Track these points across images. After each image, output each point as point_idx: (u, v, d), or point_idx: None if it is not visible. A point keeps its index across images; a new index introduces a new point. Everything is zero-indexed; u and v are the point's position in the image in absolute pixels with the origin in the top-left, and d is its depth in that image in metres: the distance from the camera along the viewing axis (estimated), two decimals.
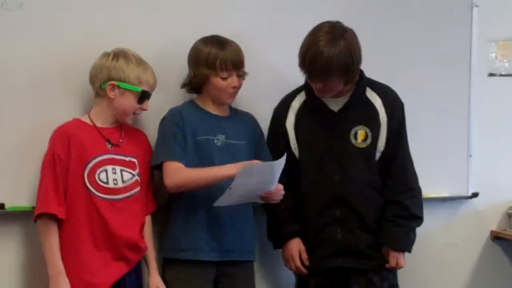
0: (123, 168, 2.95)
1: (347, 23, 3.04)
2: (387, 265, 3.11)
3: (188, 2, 3.26)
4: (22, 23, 3.04)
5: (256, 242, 3.23)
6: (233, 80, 3.05)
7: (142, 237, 3.01)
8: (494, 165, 3.68)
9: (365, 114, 3.11)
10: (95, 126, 2.94)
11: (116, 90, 2.92)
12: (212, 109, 3.11)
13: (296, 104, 3.17)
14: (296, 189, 3.13)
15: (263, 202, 3.01)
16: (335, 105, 3.11)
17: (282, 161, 2.87)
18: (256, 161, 2.92)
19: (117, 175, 2.93)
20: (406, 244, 3.13)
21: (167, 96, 3.17)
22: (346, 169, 3.06)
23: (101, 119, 2.97)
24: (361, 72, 3.12)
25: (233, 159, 3.00)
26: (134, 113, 2.98)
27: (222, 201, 2.90)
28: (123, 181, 2.94)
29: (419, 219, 3.15)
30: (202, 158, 3.03)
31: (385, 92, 3.15)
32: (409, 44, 3.49)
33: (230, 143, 3.08)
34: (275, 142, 3.18)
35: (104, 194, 2.91)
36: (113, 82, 2.91)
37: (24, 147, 3.04)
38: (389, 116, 3.10)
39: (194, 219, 3.01)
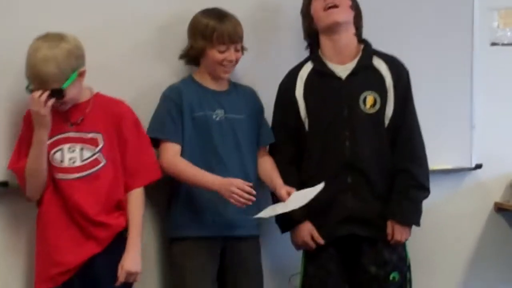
0: (83, 145, 2.88)
1: None
2: (392, 241, 3.09)
3: None
4: None
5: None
6: (230, 53, 3.03)
7: (115, 214, 2.92)
8: (497, 136, 3.67)
9: (373, 80, 3.12)
10: (55, 109, 2.83)
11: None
12: (210, 84, 3.09)
13: (304, 73, 3.17)
14: (303, 163, 3.13)
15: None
16: (343, 72, 3.12)
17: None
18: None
19: (75, 154, 2.88)
20: (414, 217, 3.13)
21: (168, 70, 3.16)
22: (356, 135, 3.05)
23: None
24: (367, 41, 3.16)
25: (232, 133, 3.04)
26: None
27: (264, 213, 3.00)
28: (81, 160, 2.88)
29: (426, 191, 3.14)
30: (200, 134, 3.03)
31: (391, 59, 3.17)
32: (411, 15, 3.47)
33: (229, 118, 3.07)
34: (283, 115, 3.16)
35: (61, 173, 2.86)
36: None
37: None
38: (395, 81, 3.11)
39: (198, 196, 3.01)
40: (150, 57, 3.15)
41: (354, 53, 3.14)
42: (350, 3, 3.10)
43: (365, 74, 3.12)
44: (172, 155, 2.99)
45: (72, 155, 2.88)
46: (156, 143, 3.02)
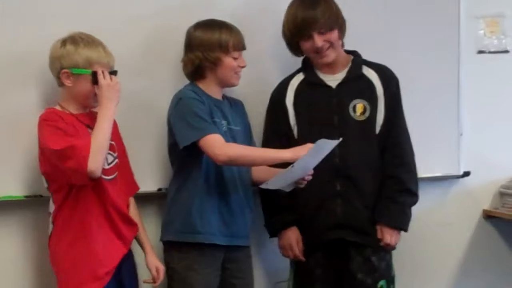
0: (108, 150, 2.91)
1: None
2: (381, 243, 3.10)
3: None
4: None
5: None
6: (242, 59, 3.09)
7: None
8: (485, 143, 3.67)
9: (363, 88, 3.15)
10: (71, 114, 2.90)
11: (71, 77, 2.87)
12: (214, 94, 3.11)
13: (294, 82, 3.21)
14: None
15: (292, 188, 3.01)
16: (333, 81, 3.16)
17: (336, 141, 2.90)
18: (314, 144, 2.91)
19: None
20: (402, 221, 3.14)
21: (157, 84, 3.18)
22: (346, 142, 3.05)
23: (71, 107, 2.92)
24: (356, 51, 3.20)
25: None
26: (95, 95, 2.89)
27: (273, 183, 2.93)
28: (108, 164, 2.90)
29: (414, 196, 3.16)
30: None
31: (381, 68, 3.20)
32: (397, 23, 3.48)
33: (231, 129, 3.10)
34: (275, 123, 3.19)
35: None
36: (65, 70, 2.86)
37: (14, 136, 3.04)
38: (385, 89, 3.15)
39: (209, 204, 3.02)
40: (135, 72, 3.16)
41: (344, 64, 3.18)
42: (338, 37, 3.11)
43: (355, 83, 3.15)
44: (222, 143, 2.94)
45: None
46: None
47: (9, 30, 3.04)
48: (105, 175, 2.87)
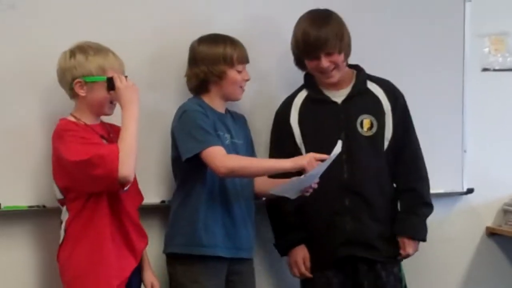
0: None
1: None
2: (403, 253, 3.14)
3: (180, 3, 3.27)
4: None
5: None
6: (246, 73, 3.11)
7: None
8: (489, 160, 3.67)
9: (369, 104, 3.16)
10: (86, 124, 2.88)
11: (85, 86, 2.85)
12: (218, 108, 3.12)
13: (298, 101, 3.20)
14: None
15: (298, 196, 3.00)
16: (338, 97, 3.16)
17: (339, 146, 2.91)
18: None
19: None
20: (423, 233, 3.19)
21: (162, 96, 3.20)
22: (354, 157, 3.07)
23: (85, 117, 2.89)
24: (359, 66, 3.20)
25: None
26: (111, 102, 2.90)
27: (280, 190, 2.94)
28: None
29: (431, 208, 3.22)
30: None
31: (386, 83, 3.21)
32: (402, 40, 3.49)
33: (234, 142, 3.11)
34: (280, 143, 3.20)
35: None
36: (78, 80, 2.83)
37: (20, 146, 3.04)
38: (392, 105, 3.16)
39: (213, 216, 3.02)
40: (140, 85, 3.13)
41: (348, 79, 3.18)
42: (343, 58, 3.11)
43: (361, 98, 3.16)
44: (223, 155, 2.94)
45: None
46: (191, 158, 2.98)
47: (16, 41, 3.05)
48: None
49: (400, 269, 3.19)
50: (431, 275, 3.64)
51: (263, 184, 3.12)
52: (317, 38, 3.02)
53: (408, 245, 3.15)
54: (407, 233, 3.15)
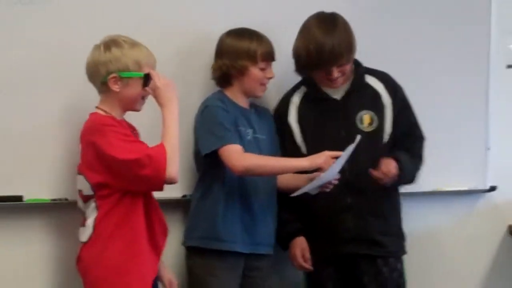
0: None
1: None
2: (384, 169, 3.02)
3: None
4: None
5: None
6: (270, 71, 3.09)
7: None
8: None
9: (368, 99, 3.14)
10: (119, 120, 2.81)
11: (119, 82, 2.75)
12: (240, 102, 3.12)
13: (296, 99, 3.19)
14: None
15: (317, 192, 3.00)
16: (337, 94, 3.15)
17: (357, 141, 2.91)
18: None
19: None
20: (412, 172, 3.12)
21: (187, 90, 3.17)
22: (355, 154, 3.02)
23: (115, 112, 2.81)
24: (356, 60, 3.15)
25: (258, 153, 3.04)
26: (142, 98, 2.85)
27: (301, 191, 2.95)
28: None
29: (422, 162, 3.17)
30: None
31: (385, 76, 3.18)
32: (427, 37, 3.46)
33: (257, 138, 3.10)
34: (280, 140, 3.19)
35: None
36: (114, 75, 2.74)
37: (42, 139, 3.05)
38: (393, 98, 3.14)
39: (231, 211, 3.03)
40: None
41: (348, 74, 3.13)
42: (350, 65, 3.09)
43: (360, 94, 3.14)
44: (240, 153, 2.95)
45: None
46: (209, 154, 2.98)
47: (38, 36, 3.07)
48: None
49: (402, 266, 3.17)
50: (452, 273, 3.62)
51: (286, 179, 3.11)
52: (331, 51, 2.98)
53: (391, 165, 3.03)
54: (397, 158, 3.05)
